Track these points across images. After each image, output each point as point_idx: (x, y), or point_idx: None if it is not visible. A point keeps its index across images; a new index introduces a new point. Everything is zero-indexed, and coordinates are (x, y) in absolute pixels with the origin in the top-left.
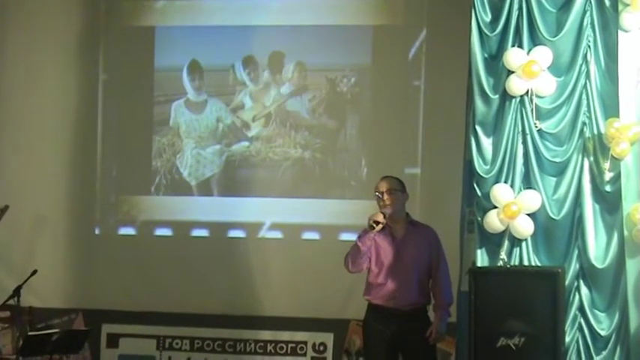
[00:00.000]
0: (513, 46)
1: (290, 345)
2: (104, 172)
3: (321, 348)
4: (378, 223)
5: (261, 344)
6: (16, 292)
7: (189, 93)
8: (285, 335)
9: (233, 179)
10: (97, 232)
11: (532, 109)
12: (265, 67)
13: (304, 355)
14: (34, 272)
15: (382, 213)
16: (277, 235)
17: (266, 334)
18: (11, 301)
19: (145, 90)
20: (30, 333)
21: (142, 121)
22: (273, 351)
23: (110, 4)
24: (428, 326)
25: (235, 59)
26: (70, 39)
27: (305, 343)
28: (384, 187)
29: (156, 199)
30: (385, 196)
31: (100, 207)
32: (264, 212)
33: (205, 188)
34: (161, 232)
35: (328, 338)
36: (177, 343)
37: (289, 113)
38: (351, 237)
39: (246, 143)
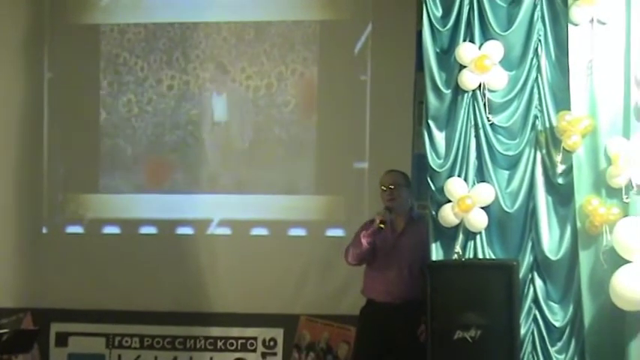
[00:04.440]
0: (465, 40)
1: (240, 341)
2: (51, 171)
3: (272, 343)
4: (385, 222)
5: (211, 341)
6: None
7: None
8: (235, 331)
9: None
10: (44, 231)
11: (484, 103)
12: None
13: (254, 350)
14: None
15: (386, 209)
16: (226, 231)
17: (216, 331)
18: None
19: (91, 88)
20: None
21: (88, 119)
22: (223, 347)
23: (54, 2)
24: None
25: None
26: (15, 37)
27: (255, 338)
28: (388, 181)
29: (103, 197)
30: (389, 191)
31: (47, 206)
32: (213, 209)
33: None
34: (109, 230)
35: (278, 333)
36: (126, 341)
37: (235, 107)
38: (300, 232)
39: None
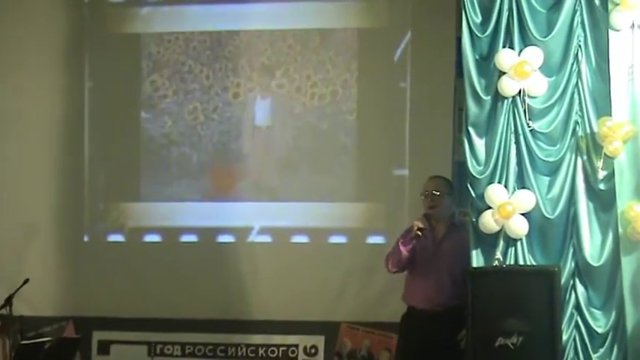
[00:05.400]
0: (504, 46)
1: (281, 348)
2: (92, 180)
3: (313, 351)
4: (423, 230)
5: (253, 348)
6: (8, 301)
7: None
8: (276, 339)
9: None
10: (85, 239)
11: (524, 110)
12: (251, 72)
13: (296, 358)
14: (26, 281)
15: (425, 216)
16: (266, 239)
17: (257, 338)
18: (3, 311)
19: (131, 97)
20: (23, 342)
21: (128, 128)
22: (264, 355)
23: (94, 12)
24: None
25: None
26: (55, 47)
27: (296, 346)
28: (430, 187)
29: (144, 206)
30: (430, 198)
31: (89, 214)
32: (254, 216)
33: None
34: (150, 238)
35: (319, 341)
36: (168, 349)
37: (275, 116)
38: (341, 240)
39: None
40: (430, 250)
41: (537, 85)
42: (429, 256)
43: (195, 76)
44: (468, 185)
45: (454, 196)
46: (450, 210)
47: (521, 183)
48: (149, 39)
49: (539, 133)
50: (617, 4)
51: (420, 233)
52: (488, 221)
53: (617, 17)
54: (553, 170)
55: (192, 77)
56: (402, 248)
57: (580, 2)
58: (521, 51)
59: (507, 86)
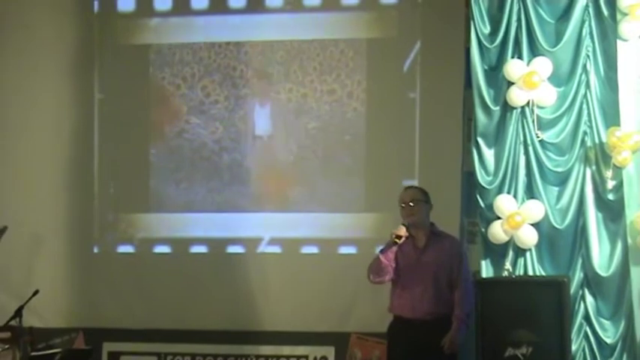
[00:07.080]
0: (513, 57)
1: (291, 359)
2: (101, 191)
3: None
4: (400, 237)
5: (263, 359)
6: (18, 312)
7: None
8: (286, 350)
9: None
10: (95, 250)
11: (533, 120)
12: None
13: None
14: (36, 292)
15: (404, 225)
16: (276, 249)
17: (267, 349)
18: (13, 322)
19: (141, 108)
20: (33, 353)
21: (138, 139)
22: None
23: (104, 24)
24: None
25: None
26: (65, 59)
27: (306, 357)
28: (407, 197)
29: (154, 217)
30: (408, 207)
31: (98, 225)
32: (263, 227)
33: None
34: (160, 249)
35: (329, 352)
36: None
37: (285, 124)
38: (350, 250)
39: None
40: (413, 259)
41: (546, 96)
42: (412, 266)
43: (247, 82)
44: (477, 195)
45: (430, 204)
46: (428, 218)
47: (530, 193)
48: (200, 45)
49: (548, 143)
50: (626, 15)
51: (397, 240)
52: (498, 231)
53: (625, 27)
54: (562, 180)
55: (243, 83)
56: (380, 256)
57: (588, 13)
58: (529, 61)
59: (516, 96)
